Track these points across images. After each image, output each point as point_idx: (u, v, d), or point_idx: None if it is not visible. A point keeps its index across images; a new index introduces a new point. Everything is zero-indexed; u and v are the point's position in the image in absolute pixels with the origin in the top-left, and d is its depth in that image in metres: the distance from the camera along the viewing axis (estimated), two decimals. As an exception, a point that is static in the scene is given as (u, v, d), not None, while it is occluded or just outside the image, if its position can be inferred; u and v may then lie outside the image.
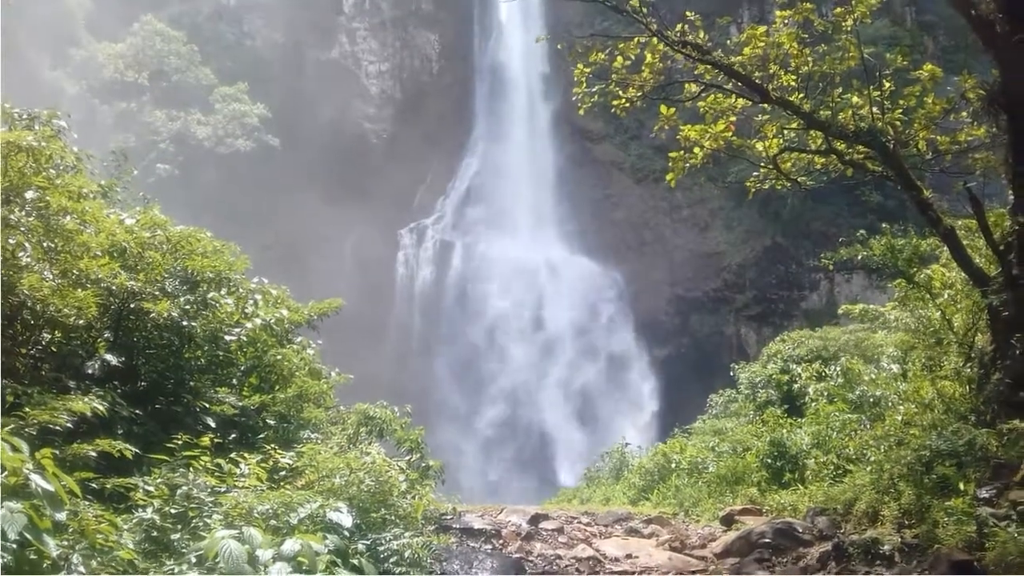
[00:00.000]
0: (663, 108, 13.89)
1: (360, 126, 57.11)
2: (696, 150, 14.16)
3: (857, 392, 15.06)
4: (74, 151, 10.84)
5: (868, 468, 11.71)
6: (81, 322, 9.32)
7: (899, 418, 12.42)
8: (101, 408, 7.76)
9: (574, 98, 14.27)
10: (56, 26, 51.91)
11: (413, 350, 51.24)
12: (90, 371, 9.24)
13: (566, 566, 11.03)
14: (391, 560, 7.44)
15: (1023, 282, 10.86)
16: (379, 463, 8.93)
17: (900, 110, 13.20)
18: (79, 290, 9.12)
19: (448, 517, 11.82)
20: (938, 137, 13.37)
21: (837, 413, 15.28)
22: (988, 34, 11.63)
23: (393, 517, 8.38)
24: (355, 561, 6.65)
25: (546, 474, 44.24)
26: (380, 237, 53.68)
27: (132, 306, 10.04)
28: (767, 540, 11.12)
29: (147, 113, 52.92)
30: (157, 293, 10.27)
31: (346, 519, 7.06)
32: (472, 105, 58.53)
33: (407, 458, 11.81)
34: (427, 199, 57.14)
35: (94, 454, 7.26)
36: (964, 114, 13.21)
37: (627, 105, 14.06)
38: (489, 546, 11.81)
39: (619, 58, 13.72)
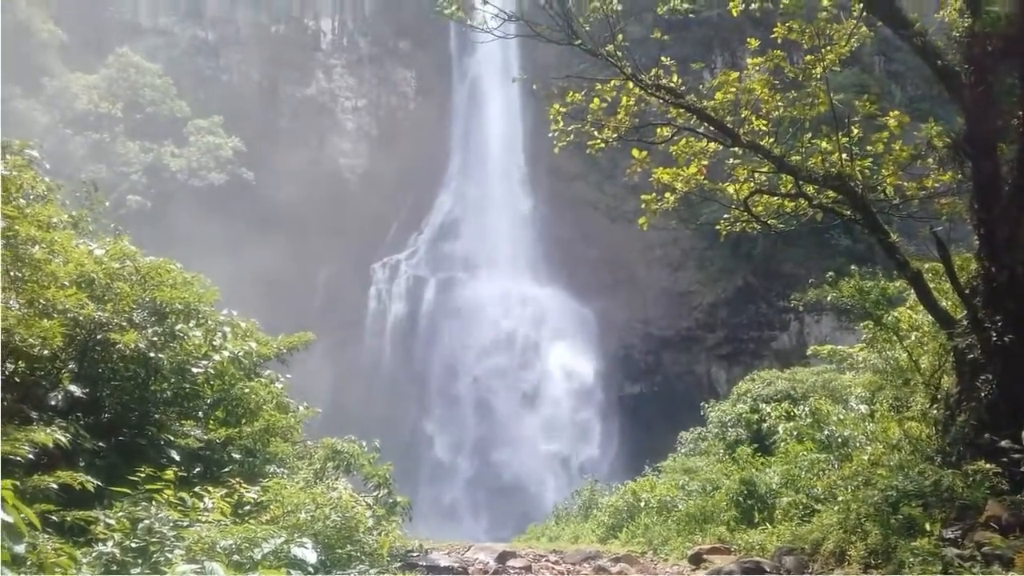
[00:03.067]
0: (635, 151, 14.06)
1: (335, 161, 57.16)
2: (668, 195, 14.33)
3: (825, 432, 15.15)
4: (45, 181, 10.78)
5: (836, 508, 11.75)
6: (46, 352, 9.20)
7: (866, 458, 12.51)
8: (63, 440, 7.64)
9: (549, 135, 14.41)
10: (29, 56, 51.69)
11: (384, 385, 50.84)
12: (53, 402, 9.09)
13: (534, 605, 10.93)
14: (356, 597, 7.33)
15: (988, 325, 11.02)
16: (345, 498, 8.84)
17: (869, 156, 13.46)
18: (45, 320, 9.01)
19: (415, 554, 11.70)
20: (905, 183, 13.63)
21: (806, 453, 15.35)
22: (954, 83, 11.93)
23: (359, 553, 8.27)
24: (319, 598, 6.56)
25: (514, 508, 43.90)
26: (353, 272, 53.50)
27: (98, 337, 9.93)
28: (735, 580, 11.11)
29: (120, 144, 52.60)
30: (124, 324, 10.17)
31: (311, 555, 6.96)
32: (448, 142, 58.82)
33: (374, 493, 11.68)
34: (401, 234, 57.11)
35: (55, 486, 7.13)
36: (930, 160, 13.47)
37: (602, 146, 14.22)
38: (456, 584, 11.69)
39: (595, 100, 13.91)
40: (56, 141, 47.36)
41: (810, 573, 10.74)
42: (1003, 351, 10.80)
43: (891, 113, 13.90)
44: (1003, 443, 9.98)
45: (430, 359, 51.17)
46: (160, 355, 10.40)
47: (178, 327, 10.86)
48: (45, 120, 50.60)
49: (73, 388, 9.31)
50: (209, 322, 11.96)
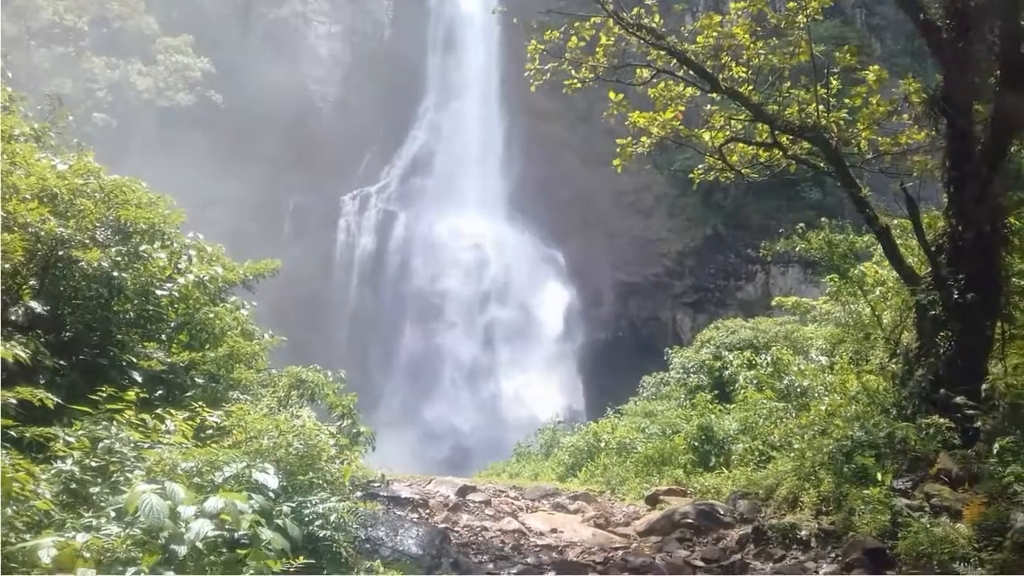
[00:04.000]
0: (612, 94, 13.96)
1: (307, 88, 56.04)
2: (643, 139, 14.28)
3: (785, 382, 15.39)
4: (8, 91, 10.44)
5: (791, 455, 12.00)
6: (6, 267, 9.01)
7: (824, 408, 12.73)
8: (23, 355, 7.51)
9: (526, 74, 14.23)
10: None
11: (350, 318, 50.76)
12: (13, 317, 8.93)
13: (491, 538, 11.10)
14: (316, 523, 7.37)
15: (951, 283, 11.19)
16: (309, 427, 8.83)
17: (845, 109, 13.47)
18: (6, 233, 8.80)
19: (376, 485, 11.78)
20: (879, 138, 13.68)
21: (765, 401, 15.60)
22: (934, 38, 11.90)
23: (320, 481, 8.29)
24: (279, 522, 6.58)
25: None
26: (322, 202, 52.90)
27: (60, 254, 9.73)
28: (689, 520, 11.36)
29: (85, 59, 51.09)
30: (87, 242, 9.97)
31: (272, 480, 6.97)
32: (423, 74, 57.84)
33: (338, 423, 11.69)
34: (372, 167, 56.41)
35: (14, 401, 7.03)
36: (906, 117, 13.52)
37: (579, 85, 14.10)
38: (416, 515, 11.83)
39: (573, 38, 13.73)
40: (21, 53, 45.92)
41: (763, 517, 10.99)
42: (963, 309, 10.99)
43: (871, 68, 13.89)
44: (958, 399, 10.22)
45: (398, 295, 51.03)
46: (123, 275, 10.22)
47: (142, 248, 10.66)
48: (11, 31, 48.97)
49: (34, 304, 9.15)
50: (174, 244, 11.76)
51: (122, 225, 10.80)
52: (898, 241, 13.05)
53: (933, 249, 11.87)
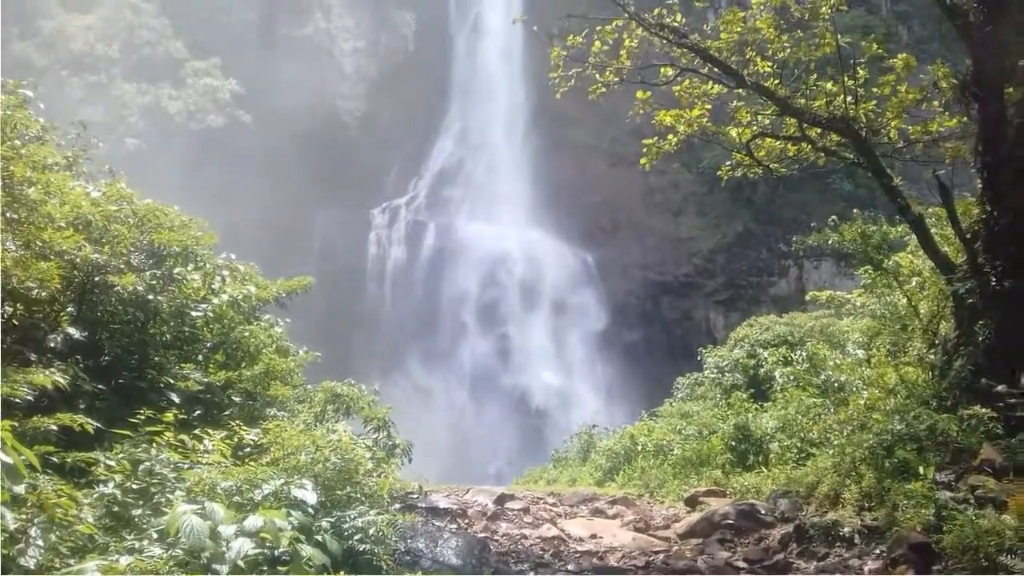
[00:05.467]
0: (639, 93, 13.90)
1: (334, 104, 56.49)
2: (670, 136, 14.21)
3: (822, 377, 15.20)
4: (39, 121, 10.65)
5: (831, 452, 11.84)
6: (44, 294, 9.19)
7: (862, 403, 12.56)
8: (63, 382, 7.67)
9: (550, 81, 14.23)
10: (25, -4, 50.85)
11: (383, 329, 51.01)
12: (52, 344, 9.12)
13: (531, 545, 11.08)
14: (355, 537, 7.41)
15: (988, 270, 11.00)
16: (345, 441, 8.89)
17: (873, 99, 13.30)
18: (42, 262, 8.98)
19: (414, 496, 11.82)
20: (910, 126, 13.49)
21: (804, 397, 15.43)
22: (962, 23, 11.71)
23: (358, 495, 8.34)
24: (319, 537, 6.63)
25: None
26: (352, 216, 53.28)
27: (96, 279, 9.92)
28: (730, 521, 11.25)
29: (116, 86, 51.97)
30: (122, 266, 10.15)
31: (310, 496, 7.02)
32: (448, 86, 58.13)
33: (374, 436, 11.76)
34: (401, 179, 56.74)
35: (55, 428, 7.17)
36: (936, 103, 13.32)
37: (603, 90, 14.07)
38: (455, 525, 11.83)
39: (597, 42, 13.71)
40: (53, 83, 46.81)
41: (804, 515, 10.87)
42: (1002, 296, 10.79)
43: (898, 56, 13.71)
44: (999, 388, 10.03)
45: (430, 304, 51.22)
46: (159, 298, 10.40)
47: (176, 270, 10.84)
48: (42, 62, 49.95)
49: (72, 330, 9.33)
50: (207, 265, 11.95)
51: (156, 249, 10.98)
52: (932, 230, 12.84)
53: (968, 236, 11.68)
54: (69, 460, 7.11)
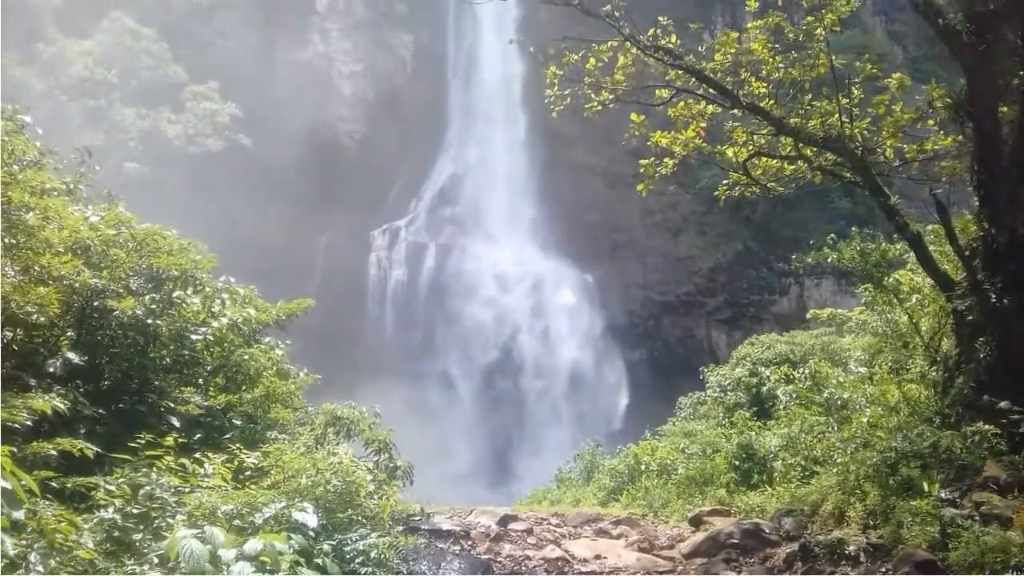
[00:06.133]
0: (634, 116, 13.96)
1: (333, 127, 56.75)
2: (667, 160, 14.26)
3: (825, 395, 15.17)
4: (37, 146, 10.69)
5: (835, 470, 11.80)
6: (43, 319, 9.19)
7: (865, 420, 12.52)
8: (62, 407, 7.65)
9: (546, 101, 14.29)
10: (24, 22, 51.13)
11: (385, 351, 50.94)
12: (52, 369, 9.09)
13: (535, 567, 11.02)
14: (357, 560, 7.37)
15: (988, 287, 11.01)
16: (346, 463, 8.86)
17: (869, 118, 13.36)
18: (41, 287, 8.99)
19: (416, 518, 11.76)
20: (905, 145, 13.54)
21: (807, 415, 15.39)
22: (955, 42, 11.79)
23: (360, 517, 8.31)
24: (320, 561, 6.60)
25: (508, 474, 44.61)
26: (352, 238, 53.37)
27: (96, 304, 9.91)
28: (735, 541, 11.19)
29: (116, 111, 52.20)
30: (121, 291, 10.15)
31: (311, 519, 6.99)
32: (446, 107, 58.42)
33: (375, 458, 11.71)
34: (400, 201, 56.89)
35: (55, 453, 7.15)
36: (931, 123, 13.38)
37: (599, 108, 14.11)
38: (458, 547, 11.76)
39: (591, 60, 13.77)
40: (52, 108, 47.02)
41: (809, 533, 10.81)
42: (1002, 313, 10.80)
43: (893, 75, 13.79)
44: (1002, 404, 10.02)
45: (431, 325, 51.23)
46: (158, 322, 10.39)
47: (176, 294, 10.84)
48: (41, 87, 50.20)
49: (71, 355, 9.31)
50: (207, 289, 11.94)
51: (155, 273, 10.99)
52: (931, 247, 12.87)
53: (967, 254, 11.70)
54: (69, 485, 7.08)
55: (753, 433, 16.22)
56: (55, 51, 53.05)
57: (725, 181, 14.92)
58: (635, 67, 13.75)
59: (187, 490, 7.38)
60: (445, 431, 46.32)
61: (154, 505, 7.09)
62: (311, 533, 6.98)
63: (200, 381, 11.46)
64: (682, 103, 14.03)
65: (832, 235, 15.33)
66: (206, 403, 10.59)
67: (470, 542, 12.19)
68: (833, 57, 13.21)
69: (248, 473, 8.85)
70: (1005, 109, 11.51)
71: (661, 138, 14.19)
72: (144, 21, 55.55)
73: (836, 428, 13.71)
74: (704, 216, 51.79)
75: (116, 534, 6.68)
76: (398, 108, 56.95)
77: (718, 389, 22.69)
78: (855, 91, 13.38)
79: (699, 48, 14.30)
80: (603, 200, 53.94)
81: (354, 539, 7.61)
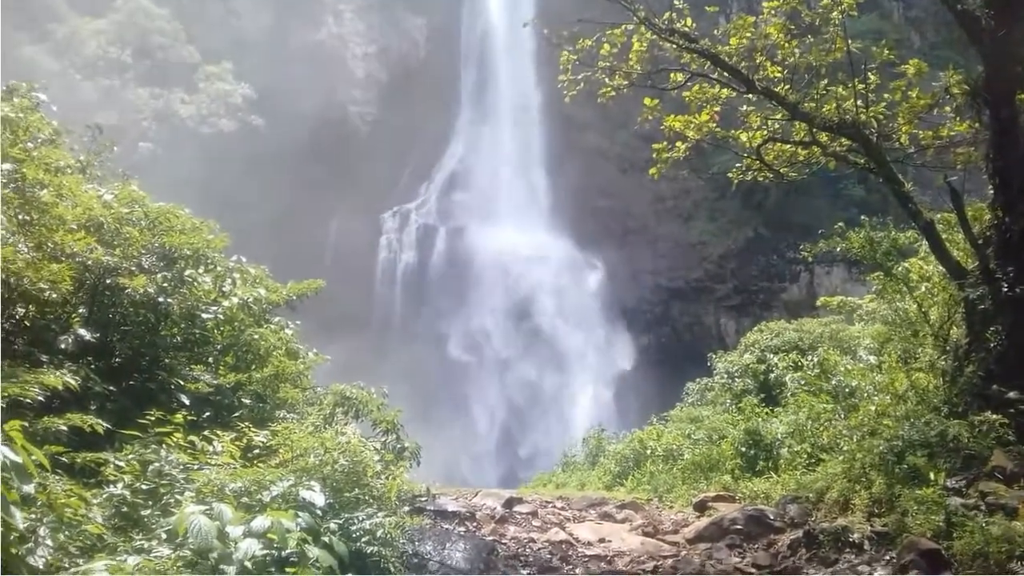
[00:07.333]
0: (647, 100, 13.89)
1: (345, 109, 56.69)
2: (679, 144, 14.19)
3: (833, 383, 15.14)
4: (52, 124, 10.73)
5: (841, 457, 11.79)
6: (55, 296, 9.24)
7: (873, 409, 12.49)
8: (74, 383, 7.71)
9: (559, 85, 14.23)
10: (37, 1, 51.17)
11: (394, 333, 51.09)
12: (63, 346, 9.16)
13: (539, 549, 11.06)
14: (363, 539, 7.42)
15: (1000, 276, 10.95)
16: (354, 443, 8.90)
17: (884, 104, 13.26)
18: (54, 264, 9.04)
19: (423, 499, 11.81)
20: (920, 132, 13.44)
21: (814, 403, 15.37)
22: (974, 28, 11.69)
23: (367, 497, 8.35)
24: (326, 539, 6.64)
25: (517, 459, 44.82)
26: (363, 220, 53.42)
27: (108, 281, 9.97)
28: (739, 526, 11.21)
29: (130, 91, 52.29)
30: (134, 269, 10.21)
31: (318, 498, 7.04)
32: (459, 90, 58.30)
33: (383, 439, 11.76)
34: (411, 183, 56.87)
35: (65, 428, 7.22)
36: (947, 109, 13.27)
37: (612, 93, 14.04)
38: (463, 528, 11.83)
39: (606, 45, 13.69)
40: (66, 87, 47.11)
41: (814, 520, 10.82)
42: (1014, 302, 10.75)
43: (909, 61, 13.66)
44: (1011, 394, 10.00)
45: (441, 309, 51.30)
46: (170, 300, 10.45)
47: (187, 272, 10.89)
48: (54, 66, 50.27)
49: (83, 332, 9.38)
50: (218, 268, 11.99)
51: (167, 251, 11.04)
52: (944, 235, 12.79)
53: (980, 242, 11.64)
54: (79, 460, 7.15)
55: (760, 420, 16.21)
56: (69, 30, 53.11)
57: (738, 165, 14.85)
58: (649, 51, 13.67)
59: (196, 467, 7.45)
60: (453, 415, 46.53)
61: (163, 481, 7.17)
62: (318, 512, 7.04)
63: (210, 359, 11.53)
64: (697, 87, 13.96)
65: (841, 223, 15.25)
66: (216, 381, 10.65)
67: (475, 523, 12.25)
68: (849, 42, 13.11)
69: (256, 451, 8.91)
70: (1022, 96, 11.41)
71: (675, 122, 14.12)
72: (158, 1, 55.53)
73: (843, 416, 13.68)
74: (715, 202, 51.63)
75: (125, 510, 6.76)
76: (411, 91, 56.85)
77: (726, 375, 22.66)
78: (871, 76, 13.28)
79: (715, 32, 14.21)
80: (615, 185, 53.79)
81: (361, 518, 7.66)
